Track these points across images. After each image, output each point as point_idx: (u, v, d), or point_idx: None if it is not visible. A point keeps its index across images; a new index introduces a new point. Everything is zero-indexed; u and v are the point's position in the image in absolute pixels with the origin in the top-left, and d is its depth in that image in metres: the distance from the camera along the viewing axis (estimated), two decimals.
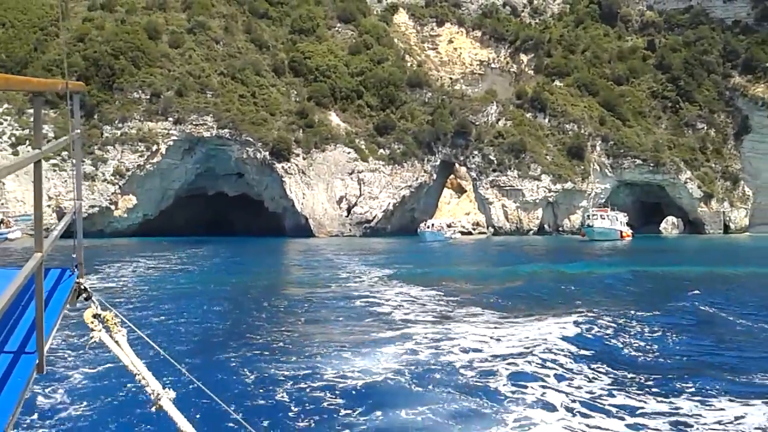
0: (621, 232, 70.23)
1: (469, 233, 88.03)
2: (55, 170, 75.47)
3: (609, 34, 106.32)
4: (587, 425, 10.24)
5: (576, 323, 18.50)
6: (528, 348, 15.10)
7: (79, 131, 4.46)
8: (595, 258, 48.00)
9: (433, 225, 74.38)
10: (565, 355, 14.62)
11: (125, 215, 77.46)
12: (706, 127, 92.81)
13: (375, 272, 33.58)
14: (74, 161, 4.50)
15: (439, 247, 60.23)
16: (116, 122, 79.13)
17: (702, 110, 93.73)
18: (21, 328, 3.23)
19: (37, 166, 2.95)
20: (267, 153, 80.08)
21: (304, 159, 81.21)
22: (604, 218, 71.96)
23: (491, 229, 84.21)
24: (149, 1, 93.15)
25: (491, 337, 16.62)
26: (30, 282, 2.78)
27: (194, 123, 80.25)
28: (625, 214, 79.29)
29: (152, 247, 52.94)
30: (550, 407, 11.09)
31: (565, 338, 16.34)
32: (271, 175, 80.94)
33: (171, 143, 79.52)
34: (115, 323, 3.86)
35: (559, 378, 12.90)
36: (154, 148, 78.59)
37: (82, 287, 4.03)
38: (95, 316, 3.85)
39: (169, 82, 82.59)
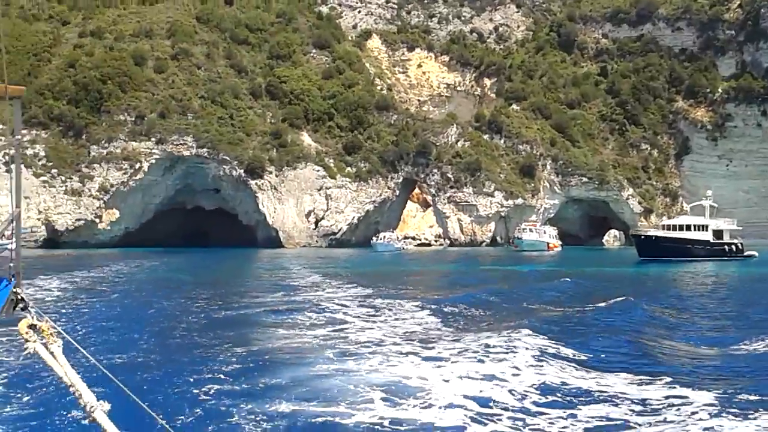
0: (548, 243, 77.49)
1: (429, 245, 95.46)
2: (45, 186, 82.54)
3: (566, 61, 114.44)
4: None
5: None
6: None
7: (19, 138, 4.35)
8: (497, 261, 56.14)
9: (384, 237, 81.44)
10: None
11: (108, 228, 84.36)
12: (649, 148, 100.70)
13: (315, 275, 40.28)
14: (14, 170, 4.49)
15: (387, 256, 67.39)
16: (102, 142, 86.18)
17: (646, 132, 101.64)
18: None
19: None
20: (242, 170, 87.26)
21: (276, 176, 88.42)
22: (532, 231, 79.34)
23: (447, 241, 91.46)
24: (136, 29, 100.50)
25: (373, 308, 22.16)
26: None
27: (175, 143, 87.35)
28: (555, 228, 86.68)
29: (128, 257, 59.69)
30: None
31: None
32: (246, 190, 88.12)
33: (153, 161, 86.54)
34: (51, 334, 3.77)
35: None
36: (137, 165, 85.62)
37: (19, 297, 3.98)
38: (31, 326, 3.74)
39: (153, 105, 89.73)
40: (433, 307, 22.27)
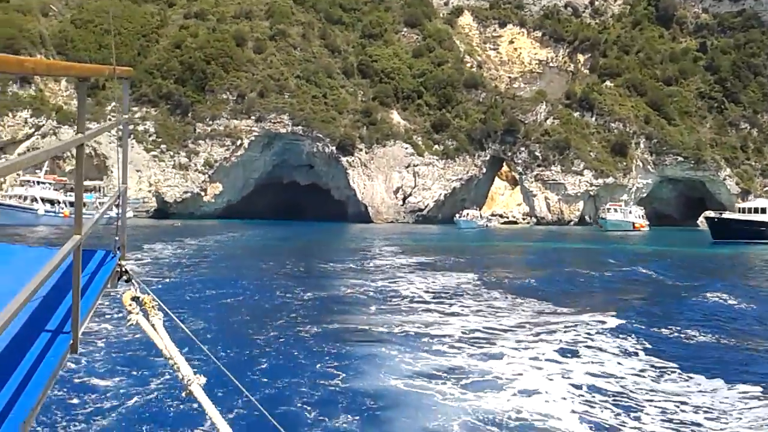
0: (633, 223, 77.30)
1: (515, 222, 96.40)
2: (155, 160, 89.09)
3: (663, 36, 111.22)
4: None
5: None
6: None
7: (126, 116, 4.46)
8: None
9: (468, 214, 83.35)
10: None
11: (213, 200, 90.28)
12: (749, 127, 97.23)
13: (394, 248, 43.03)
14: (122, 148, 4.59)
15: (470, 233, 69.42)
16: (207, 120, 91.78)
17: (746, 111, 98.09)
18: (60, 308, 3.31)
19: (80, 149, 3.02)
20: (334, 147, 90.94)
21: (366, 153, 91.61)
22: (617, 211, 79.24)
23: (534, 219, 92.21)
24: (237, 10, 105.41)
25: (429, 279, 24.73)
26: (69, 263, 2.93)
27: (273, 121, 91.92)
28: (642, 207, 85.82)
29: (230, 227, 64.40)
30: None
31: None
32: (337, 167, 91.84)
33: (253, 138, 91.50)
34: (152, 307, 3.91)
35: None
36: (239, 142, 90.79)
37: (123, 269, 4.12)
38: (134, 299, 3.89)
39: (253, 84, 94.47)
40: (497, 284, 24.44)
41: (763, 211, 59.19)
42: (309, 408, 9.97)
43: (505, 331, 16.00)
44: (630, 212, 79.90)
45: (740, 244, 52.38)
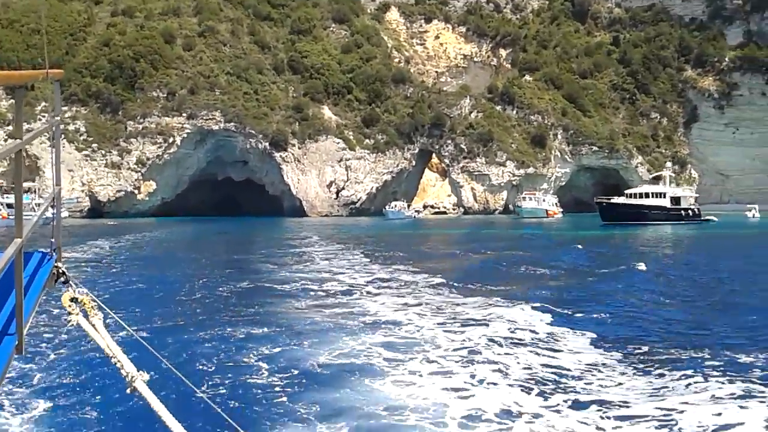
0: (547, 210, 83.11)
1: (444, 213, 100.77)
2: (86, 160, 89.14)
3: (579, 30, 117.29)
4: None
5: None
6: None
7: (59, 118, 4.45)
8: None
9: (395, 205, 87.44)
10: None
11: (147, 198, 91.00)
12: (659, 117, 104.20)
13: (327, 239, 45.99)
14: (55, 149, 4.54)
15: (398, 223, 73.40)
16: (138, 118, 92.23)
17: (656, 101, 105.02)
18: (2, 311, 3.32)
19: (18, 155, 3.06)
20: (267, 143, 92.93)
21: (299, 148, 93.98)
22: (531, 199, 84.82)
23: (461, 209, 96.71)
24: (165, 7, 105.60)
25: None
26: (10, 266, 2.90)
27: (204, 118, 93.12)
28: (556, 196, 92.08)
29: (164, 225, 65.88)
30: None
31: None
32: (271, 162, 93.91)
33: (185, 135, 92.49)
34: (92, 307, 3.90)
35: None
36: (171, 140, 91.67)
37: (60, 271, 4.10)
38: (73, 299, 3.87)
39: (183, 81, 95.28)
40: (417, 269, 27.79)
41: (647, 196, 67.07)
42: (253, 396, 10.12)
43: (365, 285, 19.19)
44: (544, 200, 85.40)
45: (627, 226, 58.74)
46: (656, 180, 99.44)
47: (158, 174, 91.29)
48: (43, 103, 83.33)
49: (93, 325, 3.89)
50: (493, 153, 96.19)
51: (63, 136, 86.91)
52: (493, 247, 37.98)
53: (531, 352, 12.53)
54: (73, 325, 3.89)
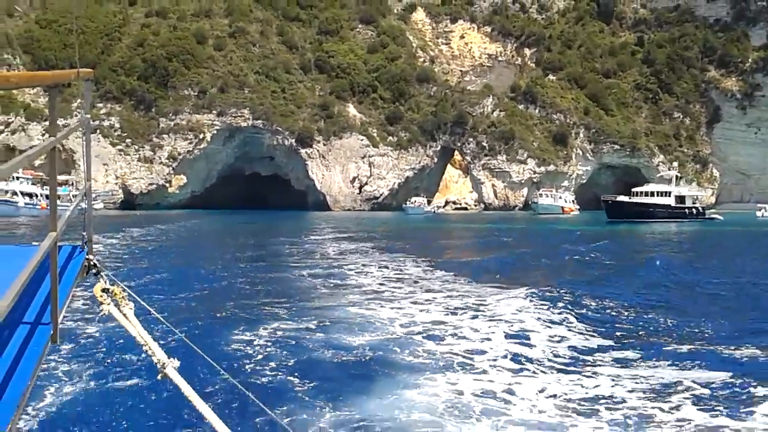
0: (562, 207, 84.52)
1: (465, 209, 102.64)
2: (120, 154, 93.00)
3: (604, 31, 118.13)
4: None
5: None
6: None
7: (89, 116, 4.60)
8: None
9: (415, 201, 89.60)
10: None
11: (177, 191, 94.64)
12: (681, 116, 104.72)
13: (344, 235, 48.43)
14: (85, 144, 4.59)
15: (418, 218, 75.55)
16: (170, 115, 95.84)
17: (679, 101, 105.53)
18: (36, 302, 3.42)
19: (52, 152, 3.13)
20: (293, 140, 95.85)
21: (324, 145, 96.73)
22: (547, 196, 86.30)
23: (482, 205, 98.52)
24: (197, 8, 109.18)
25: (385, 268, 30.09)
26: (45, 259, 2.98)
27: (234, 115, 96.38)
28: (573, 193, 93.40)
29: (194, 217, 69.04)
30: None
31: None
32: (297, 158, 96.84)
33: (215, 132, 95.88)
34: (122, 297, 4.02)
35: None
36: (201, 136, 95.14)
37: (92, 263, 4.22)
38: (104, 290, 4.00)
39: (214, 80, 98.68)
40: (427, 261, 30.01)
41: (652, 194, 68.46)
42: (284, 380, 10.29)
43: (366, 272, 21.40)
44: (560, 197, 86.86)
45: (630, 223, 60.29)
46: (678, 180, 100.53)
47: (188, 168, 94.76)
48: (79, 100, 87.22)
49: (124, 315, 4.00)
50: (515, 151, 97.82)
51: (98, 131, 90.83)
52: (490, 241, 39.97)
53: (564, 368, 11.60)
54: (105, 314, 3.99)
